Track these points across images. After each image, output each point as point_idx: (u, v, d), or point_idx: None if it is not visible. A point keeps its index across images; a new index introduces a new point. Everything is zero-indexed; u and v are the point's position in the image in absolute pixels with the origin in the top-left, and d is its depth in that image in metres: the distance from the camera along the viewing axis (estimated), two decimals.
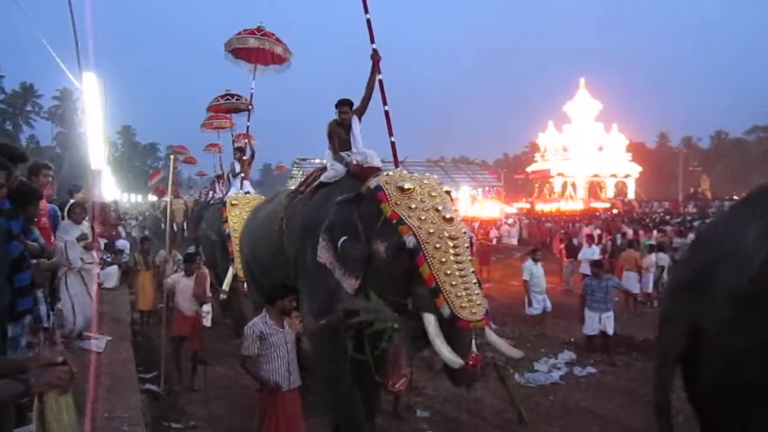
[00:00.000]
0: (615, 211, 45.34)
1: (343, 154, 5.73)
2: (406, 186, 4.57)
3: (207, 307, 8.79)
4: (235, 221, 9.56)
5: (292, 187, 6.85)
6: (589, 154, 58.45)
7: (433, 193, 4.67)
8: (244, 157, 11.40)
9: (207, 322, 8.79)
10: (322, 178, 5.77)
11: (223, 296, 9.81)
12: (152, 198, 27.77)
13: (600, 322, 9.34)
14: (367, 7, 6.11)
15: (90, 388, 3.14)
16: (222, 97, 12.99)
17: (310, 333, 5.20)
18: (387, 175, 4.89)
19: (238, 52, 10.56)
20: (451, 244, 4.39)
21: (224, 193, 11.80)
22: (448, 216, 4.50)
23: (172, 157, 9.24)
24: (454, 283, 4.27)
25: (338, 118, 5.91)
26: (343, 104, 5.86)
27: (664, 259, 13.35)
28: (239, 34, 10.32)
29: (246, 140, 11.81)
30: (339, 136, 5.85)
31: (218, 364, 8.43)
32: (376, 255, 4.54)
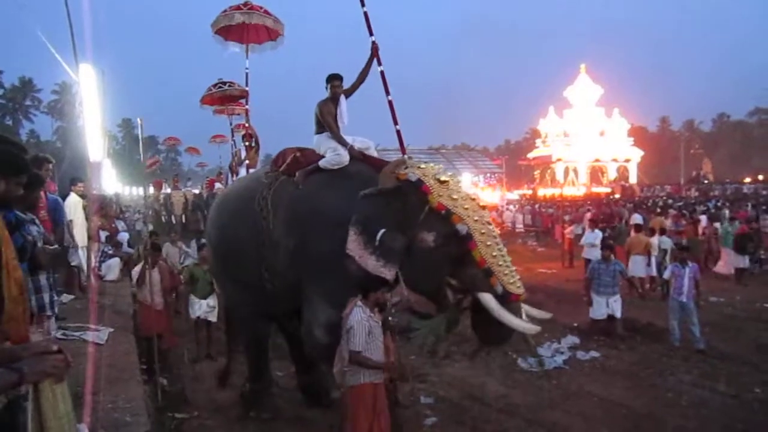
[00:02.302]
0: (616, 196, 45.23)
1: (347, 139, 5.66)
2: (443, 178, 4.93)
3: (213, 302, 8.75)
4: None
5: (267, 166, 6.25)
6: (590, 139, 58.21)
7: (460, 183, 5.10)
8: (248, 144, 10.68)
9: (213, 317, 8.76)
10: (323, 164, 5.57)
11: None
12: (150, 190, 27.74)
13: (608, 306, 9.40)
14: (364, 1, 6.08)
15: (91, 379, 3.13)
16: (214, 86, 12.33)
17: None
18: (419, 167, 5.08)
19: (227, 32, 9.72)
20: (490, 228, 4.88)
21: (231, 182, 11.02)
22: (482, 204, 5.02)
23: (139, 120, 9.02)
24: (500, 263, 4.75)
25: (330, 93, 5.83)
26: (336, 78, 5.84)
27: (666, 242, 13.32)
28: (225, 11, 9.46)
29: (246, 124, 11.04)
30: (332, 115, 5.76)
31: (221, 355, 8.45)
32: (422, 244, 4.77)
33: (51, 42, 8.26)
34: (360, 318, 4.77)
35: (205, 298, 8.69)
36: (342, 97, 5.89)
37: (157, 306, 7.66)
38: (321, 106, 5.81)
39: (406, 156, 5.57)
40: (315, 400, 6.61)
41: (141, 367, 6.39)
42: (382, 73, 5.93)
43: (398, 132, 6.00)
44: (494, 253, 4.74)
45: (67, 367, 2.14)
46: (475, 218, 4.78)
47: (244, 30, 9.68)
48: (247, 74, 10.40)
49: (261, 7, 9.41)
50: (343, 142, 5.63)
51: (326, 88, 5.86)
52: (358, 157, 5.59)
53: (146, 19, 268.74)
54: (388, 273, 4.79)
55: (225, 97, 12.48)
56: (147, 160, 32.41)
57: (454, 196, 4.85)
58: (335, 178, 5.45)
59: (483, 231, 4.76)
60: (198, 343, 8.81)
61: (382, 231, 4.77)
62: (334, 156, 5.55)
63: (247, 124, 10.87)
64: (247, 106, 11.24)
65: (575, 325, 10.03)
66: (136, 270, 8.05)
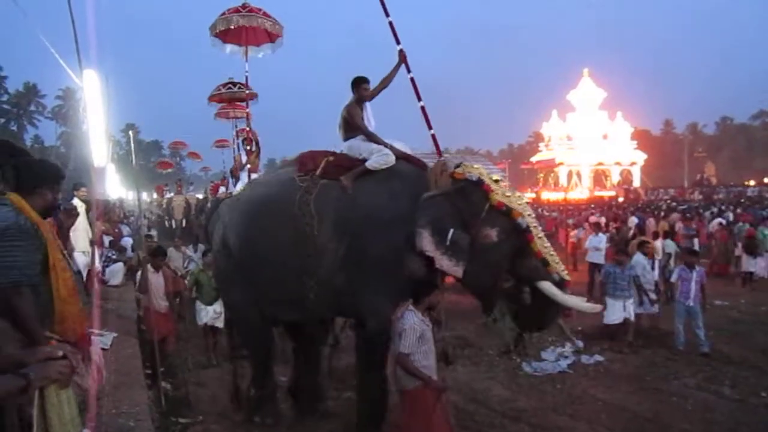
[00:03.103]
0: (620, 199, 45.13)
1: (386, 141, 5.72)
2: (496, 177, 5.43)
3: (220, 308, 8.65)
4: None
5: (293, 168, 5.95)
6: (593, 143, 58.15)
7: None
8: (249, 148, 10.51)
9: (220, 323, 8.70)
10: (371, 165, 5.51)
11: None
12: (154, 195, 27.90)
13: (624, 309, 9.35)
14: (387, 11, 6.15)
15: (94, 384, 3.14)
16: (224, 86, 12.45)
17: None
18: (474, 167, 5.37)
19: (226, 35, 9.64)
20: (536, 222, 5.33)
21: (234, 186, 10.80)
22: (525, 201, 5.50)
23: (130, 132, 9.05)
24: (551, 253, 5.25)
25: (357, 95, 5.85)
26: (365, 81, 5.89)
27: (670, 245, 13.27)
28: (223, 14, 9.36)
29: (248, 128, 10.85)
30: (360, 118, 5.80)
31: (226, 360, 8.44)
32: (486, 240, 5.06)
33: (55, 47, 8.27)
34: (413, 322, 4.81)
35: (211, 305, 8.64)
36: (367, 101, 5.93)
37: (161, 309, 7.63)
38: (350, 110, 5.82)
39: (442, 158, 5.68)
40: (308, 407, 6.51)
41: (145, 372, 6.40)
42: (412, 79, 6.02)
43: (433, 136, 6.17)
44: (545, 245, 5.24)
45: (74, 373, 2.15)
46: (528, 213, 5.25)
47: (243, 32, 9.57)
48: (246, 77, 10.30)
49: (260, 10, 9.31)
50: (383, 143, 5.67)
51: (353, 90, 5.88)
52: (401, 156, 5.68)
53: (149, 24, 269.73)
54: (459, 271, 5.03)
55: (234, 98, 12.34)
56: (161, 164, 32.46)
57: (507, 194, 5.27)
58: (385, 179, 5.48)
59: (534, 225, 5.23)
60: (207, 350, 8.78)
61: (452, 231, 4.97)
62: (382, 156, 5.55)
63: (248, 128, 10.71)
64: (248, 110, 11.10)
65: (579, 328, 10.00)
66: (140, 274, 7.96)
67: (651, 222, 18.86)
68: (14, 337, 2.94)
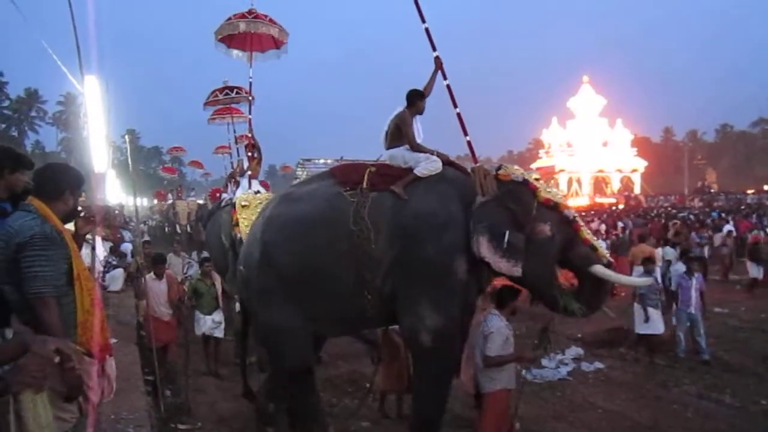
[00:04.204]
0: (621, 206, 45.14)
1: (429, 148, 5.78)
2: (535, 176, 5.65)
3: (219, 317, 8.62)
4: (246, 224, 8.15)
5: (332, 181, 5.83)
6: (593, 150, 58.18)
7: None
8: (251, 154, 10.31)
9: (219, 333, 8.64)
10: (421, 172, 5.54)
11: (238, 307, 8.56)
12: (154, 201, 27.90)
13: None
14: (424, 17, 6.15)
15: (94, 390, 3.13)
16: (220, 91, 12.28)
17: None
18: (515, 168, 5.65)
19: (231, 40, 9.60)
20: None
21: (233, 193, 10.61)
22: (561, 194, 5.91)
23: (127, 137, 8.97)
24: (595, 239, 5.60)
25: (414, 108, 5.92)
26: (423, 96, 5.98)
27: (670, 253, 13.27)
28: (229, 19, 9.28)
29: (250, 134, 10.53)
30: (412, 129, 5.87)
31: (224, 367, 8.44)
32: (541, 235, 5.24)
33: (56, 53, 8.30)
34: (499, 326, 5.04)
35: (210, 314, 8.55)
36: (419, 115, 6.03)
37: (162, 317, 7.55)
38: (404, 118, 5.85)
39: (479, 164, 5.79)
40: (304, 428, 6.21)
41: (145, 378, 6.39)
42: (448, 86, 6.10)
43: (469, 142, 6.28)
44: (588, 231, 5.53)
45: (45, 378, 2.12)
46: (569, 204, 5.65)
47: (248, 38, 9.51)
48: (250, 83, 10.19)
49: (266, 16, 9.24)
50: (430, 151, 5.72)
51: (409, 102, 5.92)
52: (447, 162, 5.74)
53: (150, 30, 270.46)
54: (519, 270, 5.15)
55: (231, 103, 12.23)
56: (165, 168, 32.45)
57: (548, 189, 5.56)
58: (435, 184, 5.50)
59: (576, 214, 5.53)
60: (206, 360, 8.63)
61: (508, 233, 5.11)
62: (431, 163, 5.58)
63: (249, 134, 10.53)
64: (250, 116, 10.88)
65: (579, 336, 10.00)
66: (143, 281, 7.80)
67: (627, 223, 18.95)
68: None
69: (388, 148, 5.94)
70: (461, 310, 5.27)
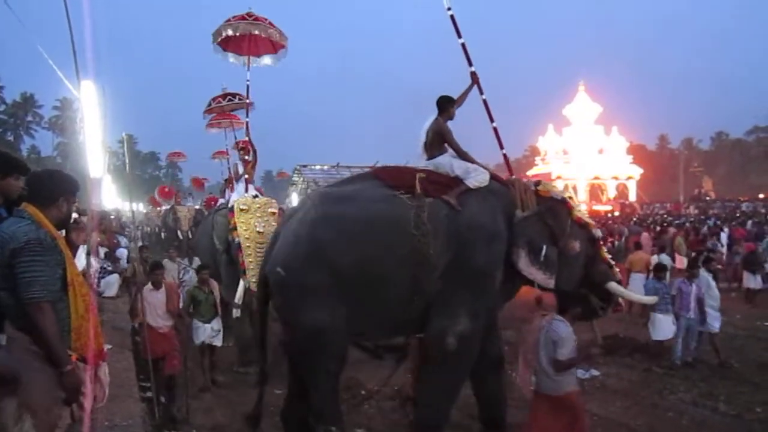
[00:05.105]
0: (616, 213, 45.23)
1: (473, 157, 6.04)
2: (569, 195, 6.11)
3: (218, 325, 8.36)
4: (245, 228, 8.36)
5: (377, 183, 5.85)
6: (589, 157, 58.27)
7: None
8: (247, 158, 10.25)
9: (218, 341, 8.40)
10: (473, 184, 5.71)
11: (236, 313, 8.67)
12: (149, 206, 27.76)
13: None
14: (460, 33, 6.45)
15: (88, 397, 3.12)
16: (223, 97, 12.11)
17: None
18: (553, 186, 6.21)
19: (228, 42, 9.34)
20: None
21: (228, 197, 10.58)
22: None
23: (124, 136, 8.85)
24: (610, 257, 6.20)
25: (447, 115, 6.12)
26: (453, 102, 6.22)
27: (666, 259, 13.29)
28: (228, 21, 9.01)
29: (247, 138, 10.39)
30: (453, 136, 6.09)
31: (221, 374, 8.40)
32: (571, 250, 5.70)
33: (53, 58, 8.29)
34: (567, 331, 5.25)
35: (209, 322, 8.27)
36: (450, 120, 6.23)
37: (160, 328, 7.15)
38: (444, 128, 6.06)
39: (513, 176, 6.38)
40: None
41: (139, 384, 6.36)
42: (484, 101, 6.47)
43: (504, 155, 6.93)
44: (605, 251, 6.19)
45: (77, 382, 2.13)
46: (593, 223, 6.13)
47: (245, 41, 9.36)
48: (248, 86, 10.04)
49: (266, 19, 9.10)
50: (476, 162, 5.98)
51: (440, 109, 6.10)
52: (490, 174, 5.99)
53: (147, 35, 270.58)
54: (552, 282, 5.59)
55: (233, 109, 12.12)
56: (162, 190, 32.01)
57: (580, 208, 6.10)
58: (484, 196, 5.74)
59: (601, 234, 6.14)
60: (203, 370, 8.33)
61: (545, 247, 5.53)
62: (481, 176, 5.79)
63: (247, 138, 10.43)
64: (247, 119, 10.76)
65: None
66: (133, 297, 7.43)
67: (645, 236, 18.90)
68: (30, 349, 2.93)
69: (431, 156, 6.11)
70: (488, 318, 5.74)
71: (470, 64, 6.42)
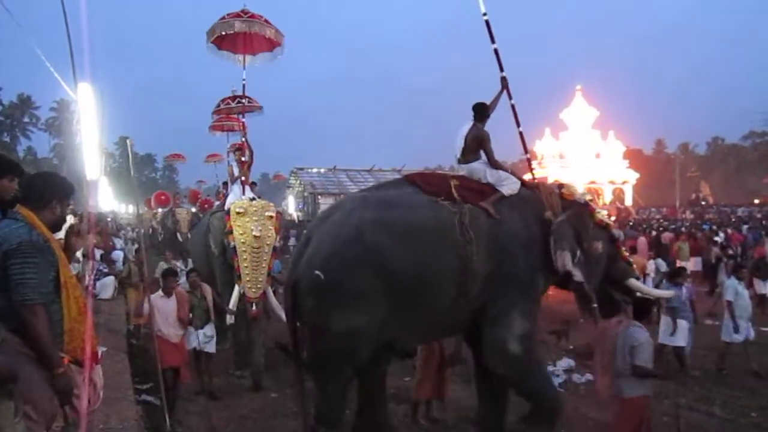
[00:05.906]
0: (612, 218, 45.27)
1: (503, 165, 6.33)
2: (588, 197, 6.57)
3: (211, 331, 7.90)
4: (242, 232, 8.22)
5: (414, 189, 5.81)
6: (586, 161, 58.39)
7: None
8: (243, 159, 9.86)
9: (211, 348, 7.95)
10: (507, 192, 5.91)
11: (230, 319, 8.40)
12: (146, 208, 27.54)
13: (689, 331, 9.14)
14: (494, 38, 6.62)
15: (83, 400, 3.11)
16: (233, 99, 11.89)
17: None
18: (576, 189, 6.51)
19: (222, 41, 9.17)
20: None
21: (224, 200, 10.20)
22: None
23: (128, 141, 8.79)
24: (629, 255, 6.73)
25: (483, 121, 6.29)
26: (488, 107, 6.40)
27: (662, 264, 13.31)
28: (223, 18, 8.81)
29: (244, 139, 10.14)
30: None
31: (215, 376, 8.35)
32: (595, 251, 6.03)
33: (50, 59, 8.28)
34: (646, 337, 5.41)
35: (201, 328, 7.75)
36: None
37: (171, 338, 6.95)
38: (485, 136, 6.19)
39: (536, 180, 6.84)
40: None
41: (134, 387, 6.34)
42: (513, 106, 6.64)
43: (528, 160, 7.65)
44: (625, 250, 6.62)
45: (68, 384, 2.14)
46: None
47: (240, 40, 9.20)
48: (243, 85, 9.95)
49: (261, 16, 8.92)
50: (506, 169, 6.21)
51: (477, 114, 6.26)
52: (519, 180, 6.22)
53: (145, 37, 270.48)
54: (583, 278, 5.86)
55: (242, 111, 12.05)
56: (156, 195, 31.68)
57: (599, 210, 6.52)
58: (518, 204, 5.93)
59: (621, 234, 6.50)
60: (200, 376, 7.98)
61: (579, 249, 5.89)
62: (514, 184, 6.00)
63: (243, 139, 10.16)
64: (243, 119, 10.66)
65: (571, 347, 9.99)
66: (143, 303, 7.17)
67: (642, 241, 18.90)
68: (21, 351, 2.92)
69: (465, 161, 6.21)
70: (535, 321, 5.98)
71: (501, 70, 6.57)
